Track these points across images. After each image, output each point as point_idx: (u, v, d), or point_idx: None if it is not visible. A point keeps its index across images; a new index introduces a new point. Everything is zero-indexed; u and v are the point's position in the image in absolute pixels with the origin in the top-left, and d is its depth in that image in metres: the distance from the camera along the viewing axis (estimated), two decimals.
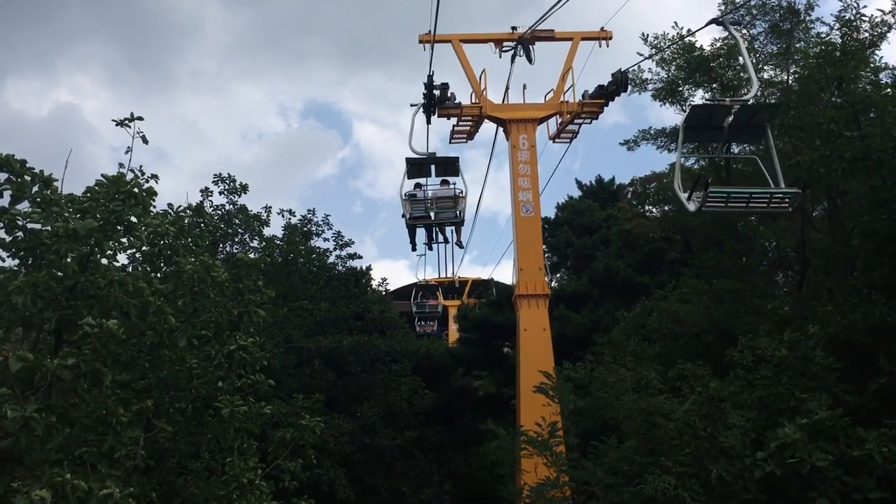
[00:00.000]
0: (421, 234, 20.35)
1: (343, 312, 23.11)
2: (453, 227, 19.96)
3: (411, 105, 19.90)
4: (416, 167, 18.81)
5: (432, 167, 18.90)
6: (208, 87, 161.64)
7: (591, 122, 20.13)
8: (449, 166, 18.82)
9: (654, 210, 33.93)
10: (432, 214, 18.83)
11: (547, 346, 18.27)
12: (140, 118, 9.10)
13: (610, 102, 19.58)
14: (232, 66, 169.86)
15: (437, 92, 19.29)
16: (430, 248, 21.31)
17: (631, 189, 33.65)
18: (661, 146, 25.26)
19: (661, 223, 28.26)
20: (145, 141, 9.60)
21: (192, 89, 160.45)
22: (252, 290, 9.83)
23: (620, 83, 18.89)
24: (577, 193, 42.12)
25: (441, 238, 21.08)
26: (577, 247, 32.84)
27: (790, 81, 18.75)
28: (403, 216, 18.77)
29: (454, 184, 19.04)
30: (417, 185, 19.34)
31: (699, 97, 24.52)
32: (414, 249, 20.66)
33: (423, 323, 41.43)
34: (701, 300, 18.95)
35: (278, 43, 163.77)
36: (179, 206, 10.05)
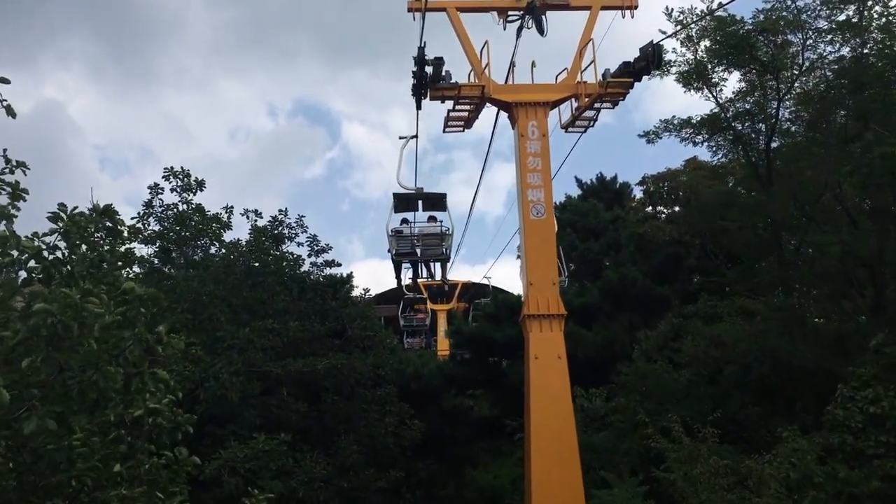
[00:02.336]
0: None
1: (318, 330, 19.73)
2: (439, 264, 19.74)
3: (400, 137, 18.33)
4: (404, 202, 18.47)
5: (419, 202, 18.55)
6: (193, 84, 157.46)
7: (614, 106, 16.86)
8: (436, 202, 18.55)
9: (664, 210, 30.91)
10: (418, 251, 18.69)
11: (563, 379, 15.01)
12: (5, 80, 6.35)
13: (636, 83, 16.31)
14: (217, 62, 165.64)
15: (429, 69, 15.98)
16: (415, 284, 22.21)
17: (642, 188, 30.50)
18: (686, 138, 22.18)
19: (679, 226, 25.12)
20: (11, 113, 6.80)
21: (176, 86, 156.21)
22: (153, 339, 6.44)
23: (651, 58, 15.64)
24: (575, 192, 39.06)
25: (426, 274, 21.01)
26: (581, 252, 29.68)
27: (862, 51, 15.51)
28: (389, 251, 18.48)
29: (441, 221, 18.94)
30: (404, 221, 19.27)
31: (736, 80, 21.45)
32: (399, 286, 21.60)
33: (410, 340, 38.66)
34: (748, 322, 15.71)
35: (264, 40, 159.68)
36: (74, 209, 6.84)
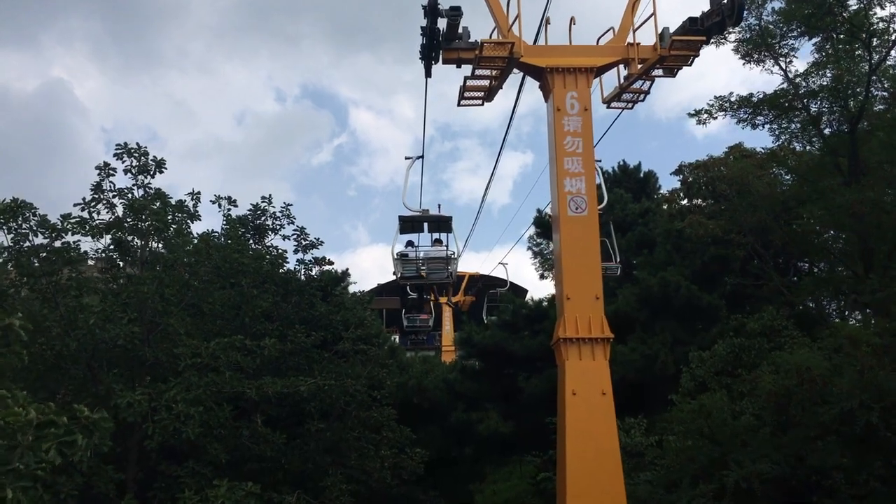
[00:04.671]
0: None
1: (302, 342, 16.40)
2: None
3: (406, 157, 18.51)
4: (409, 224, 18.70)
5: (425, 224, 18.87)
6: (196, 66, 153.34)
7: (674, 74, 13.44)
8: (441, 224, 18.74)
9: (701, 203, 27.47)
10: (424, 274, 18.70)
11: (608, 420, 11.72)
12: None
13: (704, 44, 12.91)
14: (219, 45, 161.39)
15: (443, 23, 12.64)
16: (422, 307, 23.27)
17: (678, 177, 27.03)
18: (744, 119, 18.76)
19: (725, 222, 21.71)
20: None
21: (179, 68, 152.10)
22: None
23: (729, 12, 12.22)
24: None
25: (431, 296, 21.00)
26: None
27: None
28: (395, 274, 18.77)
29: (446, 245, 19.19)
30: (409, 243, 19.78)
31: (811, 50, 18.00)
32: (403, 306, 22.24)
33: (413, 336, 35.83)
34: (854, 355, 12.32)
35: (267, 23, 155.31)
36: None
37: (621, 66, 13.61)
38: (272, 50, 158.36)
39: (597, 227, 12.67)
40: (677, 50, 12.65)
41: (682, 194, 26.61)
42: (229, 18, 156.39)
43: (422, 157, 18.72)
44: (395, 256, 18.78)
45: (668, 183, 40.57)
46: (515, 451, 25.64)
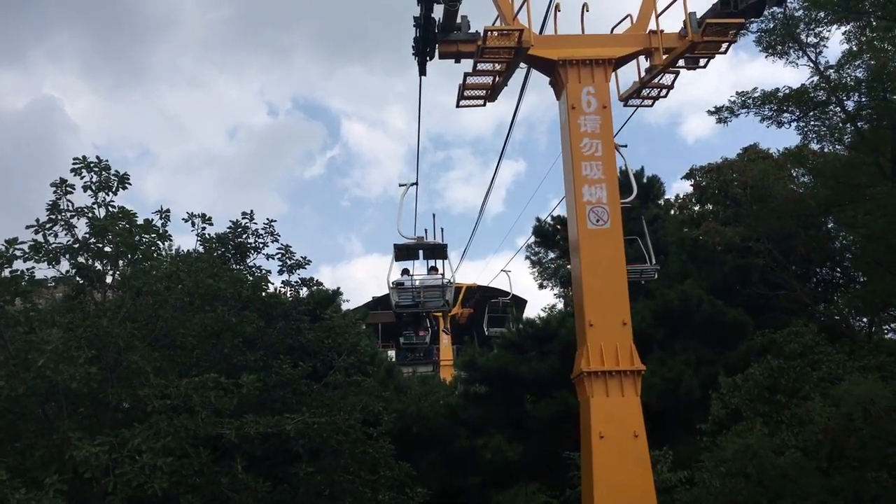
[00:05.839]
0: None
1: (287, 375, 14.70)
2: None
3: (400, 185, 18.29)
4: (404, 252, 18.50)
5: (420, 252, 18.71)
6: (186, 81, 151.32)
7: (705, 64, 11.85)
8: (437, 251, 18.62)
9: (711, 208, 25.90)
10: (419, 302, 18.57)
11: (643, 466, 10.08)
12: None
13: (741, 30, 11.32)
14: (210, 59, 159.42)
15: (438, 11, 11.05)
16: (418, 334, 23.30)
17: (689, 181, 25.42)
18: (769, 117, 17.18)
19: (745, 229, 20.11)
20: None
21: (169, 83, 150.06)
22: None
23: None
24: None
25: (427, 324, 21.56)
26: None
27: None
28: (391, 300, 18.62)
29: (442, 273, 19.18)
30: (405, 271, 19.92)
31: (841, 38, 16.44)
32: (401, 335, 22.84)
33: (410, 354, 34.44)
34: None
35: (257, 36, 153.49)
36: None
37: (643, 58, 12.02)
38: (263, 63, 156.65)
39: (621, 240, 11.04)
40: (711, 35, 11.04)
41: (694, 199, 25.04)
42: (219, 32, 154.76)
43: (416, 183, 18.39)
44: (392, 285, 18.75)
45: (670, 189, 39.04)
46: (523, 478, 24.02)
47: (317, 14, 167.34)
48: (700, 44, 11.13)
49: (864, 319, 20.12)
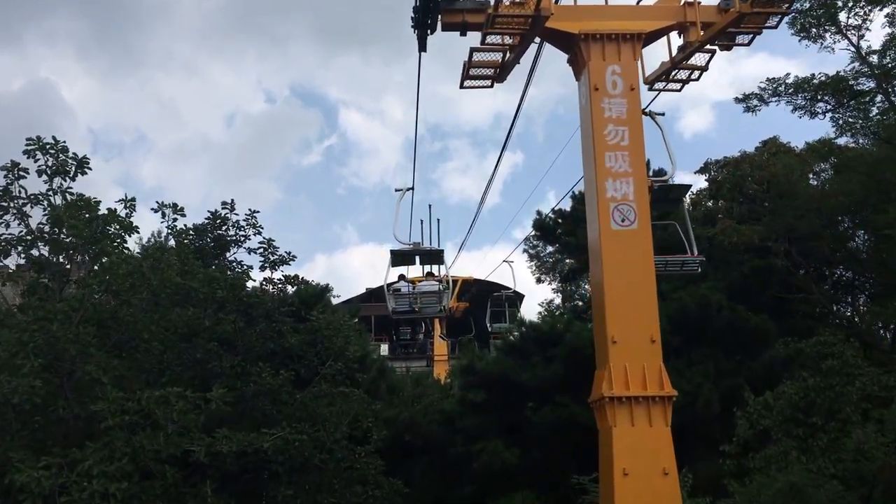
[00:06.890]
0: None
1: (267, 384, 13.20)
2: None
3: (396, 190, 18.27)
4: (401, 257, 18.24)
5: (417, 257, 18.53)
6: (182, 67, 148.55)
7: (750, 42, 10.35)
8: (434, 257, 18.53)
9: (725, 203, 24.43)
10: (416, 308, 18.51)
11: None
12: None
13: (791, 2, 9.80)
14: (207, 46, 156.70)
15: None
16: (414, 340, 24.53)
17: (704, 176, 23.92)
18: (801, 107, 15.70)
19: (765, 228, 18.67)
20: None
21: (165, 70, 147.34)
22: None
23: None
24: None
25: (424, 329, 23.20)
26: None
27: None
28: (388, 307, 18.57)
29: (439, 279, 19.29)
30: (401, 277, 20.10)
31: (883, 21, 14.97)
32: (398, 339, 23.50)
33: (404, 350, 33.13)
34: None
35: (254, 24, 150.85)
36: None
37: (677, 34, 10.50)
38: (259, 51, 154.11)
39: (650, 243, 9.59)
40: (762, 6, 9.52)
41: (708, 195, 23.56)
42: (215, 19, 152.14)
43: (412, 188, 18.02)
44: (389, 291, 18.53)
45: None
46: (521, 487, 22.72)
47: (314, 2, 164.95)
48: (748, 16, 9.61)
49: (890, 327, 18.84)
